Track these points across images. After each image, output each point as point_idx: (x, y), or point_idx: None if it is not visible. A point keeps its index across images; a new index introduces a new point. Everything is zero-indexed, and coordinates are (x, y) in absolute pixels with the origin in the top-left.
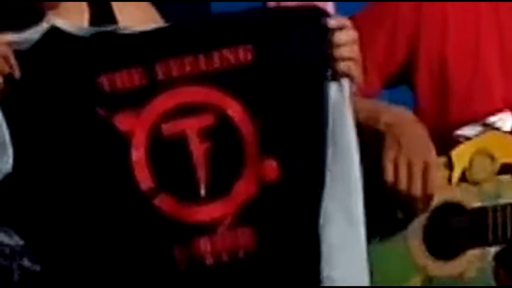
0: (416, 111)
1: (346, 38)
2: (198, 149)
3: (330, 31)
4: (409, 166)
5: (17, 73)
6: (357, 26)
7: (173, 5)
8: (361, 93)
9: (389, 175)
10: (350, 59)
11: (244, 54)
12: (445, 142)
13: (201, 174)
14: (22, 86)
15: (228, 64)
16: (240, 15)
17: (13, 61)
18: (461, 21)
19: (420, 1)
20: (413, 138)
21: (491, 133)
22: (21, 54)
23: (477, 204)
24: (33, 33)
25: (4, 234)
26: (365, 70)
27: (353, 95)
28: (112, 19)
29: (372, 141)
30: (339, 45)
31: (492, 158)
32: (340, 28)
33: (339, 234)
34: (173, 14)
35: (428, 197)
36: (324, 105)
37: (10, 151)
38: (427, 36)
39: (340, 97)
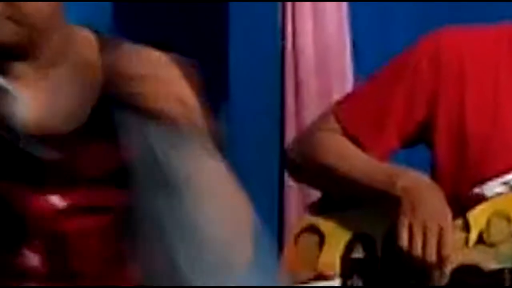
0: (434, 170)
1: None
2: None
3: None
4: (424, 231)
5: None
6: (376, 84)
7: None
8: (378, 153)
9: (404, 241)
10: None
11: None
12: (462, 202)
13: None
14: None
15: None
16: None
17: None
18: (479, 79)
19: (437, 58)
20: (428, 203)
21: (509, 195)
22: None
23: (494, 266)
24: None
25: None
26: (383, 129)
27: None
28: None
29: (388, 206)
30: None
31: (509, 219)
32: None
33: None
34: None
35: (443, 263)
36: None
37: None
38: (445, 94)
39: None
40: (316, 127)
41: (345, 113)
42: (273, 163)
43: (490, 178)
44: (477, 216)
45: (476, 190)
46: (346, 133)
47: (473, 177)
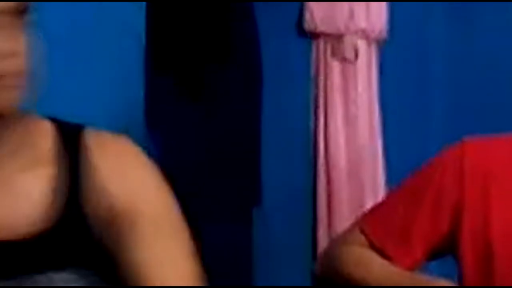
0: (460, 280)
1: None
2: None
3: None
4: None
5: None
6: (401, 195)
7: None
8: (405, 265)
9: None
10: None
11: None
12: None
13: None
14: None
15: None
16: None
17: None
18: (505, 192)
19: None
20: None
21: None
22: None
23: None
24: None
25: None
26: (409, 241)
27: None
28: None
29: None
30: None
31: None
32: None
33: None
34: None
35: None
36: None
37: None
38: (470, 207)
39: None
40: (342, 241)
41: (371, 226)
42: (305, 272)
43: None
44: None
45: None
46: (372, 246)
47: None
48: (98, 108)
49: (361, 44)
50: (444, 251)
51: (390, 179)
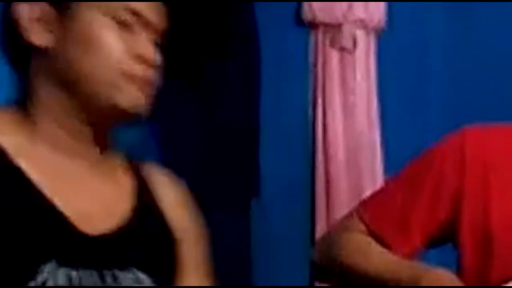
0: (459, 268)
1: None
2: None
3: None
4: None
5: None
6: (400, 183)
7: None
8: (404, 252)
9: None
10: None
11: None
12: None
13: None
14: None
15: None
16: None
17: None
18: (504, 181)
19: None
20: None
21: None
22: None
23: None
24: None
25: None
26: (407, 229)
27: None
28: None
29: None
30: None
31: None
32: None
33: None
34: None
35: None
36: None
37: None
38: (470, 195)
39: None
40: (341, 227)
41: (369, 213)
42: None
43: None
44: None
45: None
46: (371, 233)
47: (498, 276)
48: None
49: (360, 34)
50: (443, 239)
51: (389, 168)
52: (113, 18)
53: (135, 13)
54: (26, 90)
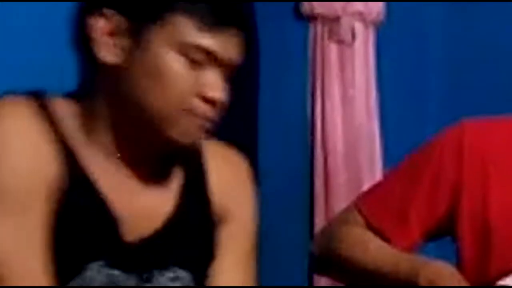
0: (459, 261)
1: None
2: None
3: None
4: None
5: None
6: (399, 176)
7: None
8: (402, 245)
9: None
10: None
11: None
12: None
13: None
14: None
15: None
16: None
17: None
18: (503, 172)
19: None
20: None
21: None
22: None
23: None
24: None
25: None
26: (406, 222)
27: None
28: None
29: None
30: None
31: None
32: None
33: None
34: None
35: None
36: None
37: None
38: (468, 188)
39: None
40: (340, 220)
41: (368, 206)
42: (303, 257)
43: None
44: None
45: (500, 282)
46: (370, 226)
47: (498, 269)
48: None
49: (358, 27)
50: (442, 232)
51: (387, 161)
52: (185, 55)
53: (207, 52)
54: (90, 92)
